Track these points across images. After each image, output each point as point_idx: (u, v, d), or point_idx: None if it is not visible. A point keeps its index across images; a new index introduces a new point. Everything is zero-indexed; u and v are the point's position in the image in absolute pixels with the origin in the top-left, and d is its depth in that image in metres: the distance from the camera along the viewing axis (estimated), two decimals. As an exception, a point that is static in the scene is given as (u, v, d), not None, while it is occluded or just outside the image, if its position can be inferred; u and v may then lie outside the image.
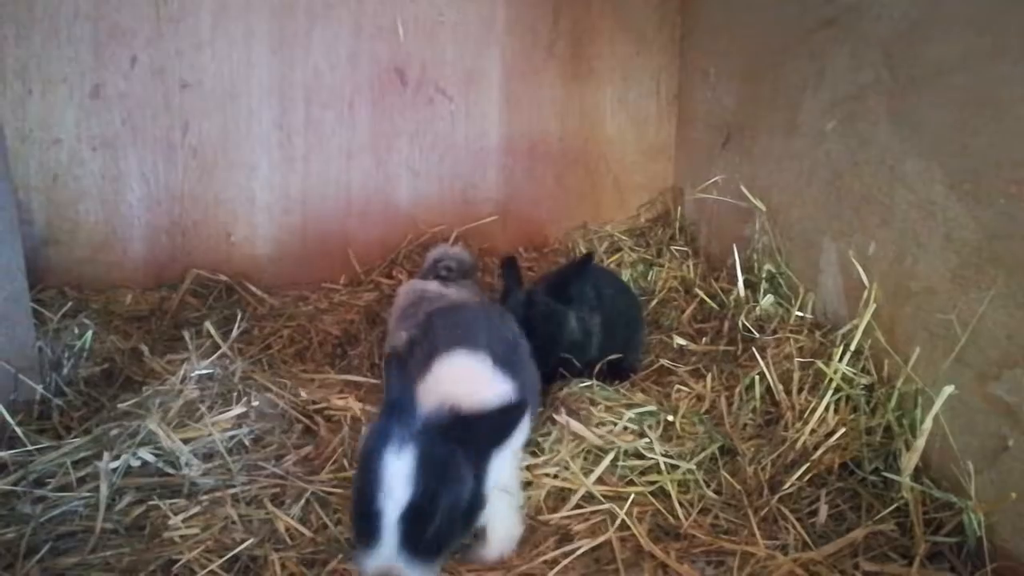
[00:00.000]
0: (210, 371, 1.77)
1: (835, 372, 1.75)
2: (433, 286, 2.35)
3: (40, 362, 1.93)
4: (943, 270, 1.63)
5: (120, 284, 2.63)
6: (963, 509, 1.50)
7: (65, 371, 1.96)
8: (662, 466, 1.68)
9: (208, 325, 1.99)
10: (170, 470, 1.63)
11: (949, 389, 1.56)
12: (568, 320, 1.94)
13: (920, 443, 1.56)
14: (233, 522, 1.51)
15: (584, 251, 2.63)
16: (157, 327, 2.39)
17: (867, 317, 1.79)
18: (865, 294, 1.82)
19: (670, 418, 1.80)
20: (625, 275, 2.59)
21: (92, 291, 2.58)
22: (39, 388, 1.84)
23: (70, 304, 2.27)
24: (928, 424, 1.56)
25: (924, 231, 1.68)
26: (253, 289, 2.65)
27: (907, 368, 1.68)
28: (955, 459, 1.56)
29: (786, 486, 1.66)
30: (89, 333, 2.06)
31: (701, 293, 2.33)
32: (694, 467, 1.69)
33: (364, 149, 2.80)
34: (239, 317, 2.13)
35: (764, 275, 2.16)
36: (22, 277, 1.85)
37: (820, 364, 1.78)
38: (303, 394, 1.83)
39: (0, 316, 1.78)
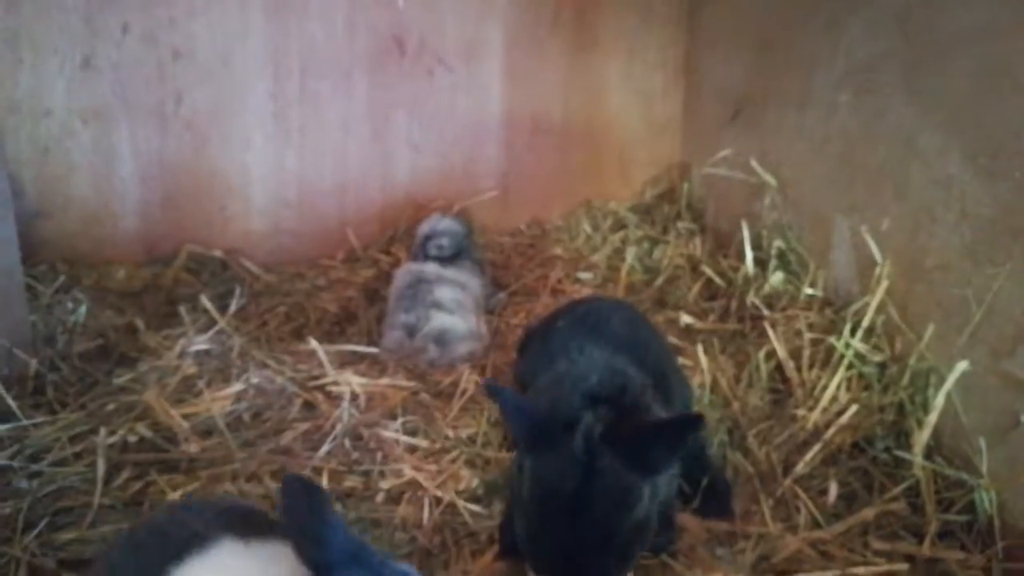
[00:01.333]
0: (207, 347, 1.72)
1: (847, 348, 1.72)
2: (431, 268, 2.31)
3: (33, 337, 1.89)
4: (958, 245, 1.59)
5: (113, 259, 2.57)
6: (974, 487, 1.49)
7: (59, 346, 1.91)
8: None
9: (204, 300, 1.94)
10: (168, 446, 1.59)
11: (963, 365, 1.53)
12: (641, 498, 1.24)
13: (932, 419, 1.54)
14: (233, 499, 1.48)
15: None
16: (151, 303, 2.34)
17: (880, 293, 1.76)
18: (878, 270, 1.78)
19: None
20: (629, 254, 2.54)
21: (84, 266, 2.52)
22: (33, 362, 1.79)
23: (63, 279, 2.22)
24: (940, 401, 1.54)
25: (939, 206, 1.64)
26: (248, 265, 2.60)
27: (920, 345, 1.65)
28: (967, 437, 1.54)
29: (798, 468, 1.64)
30: (83, 308, 2.01)
31: (708, 271, 2.29)
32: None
33: (361, 121, 2.74)
34: (237, 292, 2.08)
35: (774, 252, 2.13)
36: (15, 251, 1.80)
37: (832, 340, 1.75)
38: (302, 370, 1.80)
39: (-9, 292, 1.74)
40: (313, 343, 1.78)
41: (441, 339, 2.13)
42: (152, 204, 2.62)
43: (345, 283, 2.52)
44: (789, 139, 2.19)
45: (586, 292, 2.44)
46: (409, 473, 1.53)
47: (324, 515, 0.86)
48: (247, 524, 1.01)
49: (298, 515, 0.87)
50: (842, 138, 1.97)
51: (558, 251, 2.67)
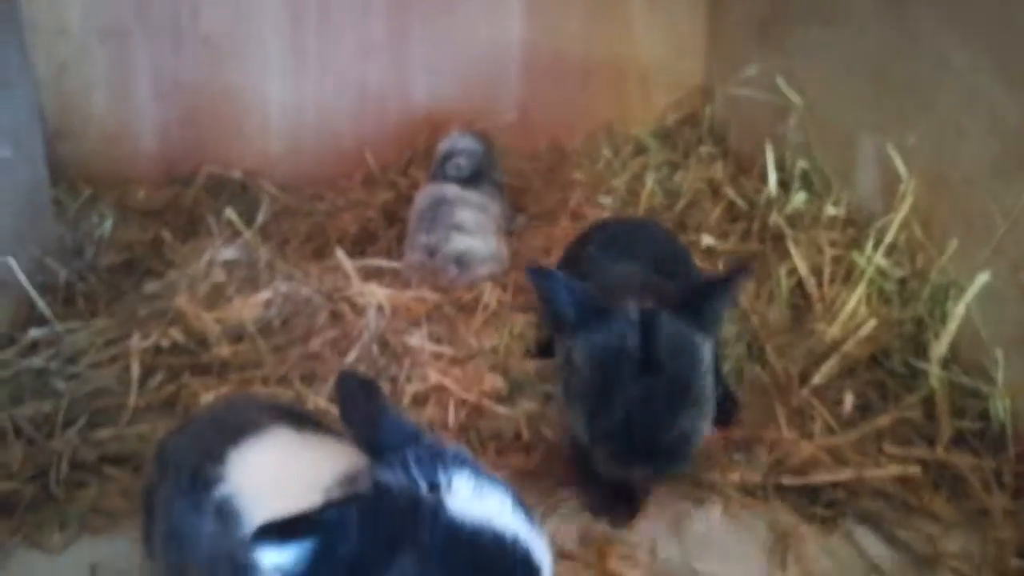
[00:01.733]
0: (235, 255, 1.75)
1: (869, 263, 1.73)
2: (452, 189, 2.31)
3: (61, 249, 1.92)
4: (985, 159, 1.59)
5: (133, 179, 2.58)
6: (989, 396, 1.52)
7: (87, 258, 1.95)
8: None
9: (230, 212, 1.96)
10: (200, 350, 1.63)
11: (984, 277, 1.55)
12: (703, 356, 1.27)
13: (951, 327, 1.56)
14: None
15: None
16: (173, 222, 2.36)
17: (904, 209, 1.76)
18: (902, 187, 1.78)
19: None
20: (650, 178, 2.53)
21: (105, 186, 2.53)
22: (63, 273, 1.83)
23: (86, 195, 2.24)
24: (960, 309, 1.56)
25: (967, 120, 1.63)
26: (267, 186, 2.61)
27: (942, 259, 1.66)
28: (984, 349, 1.56)
29: (815, 379, 1.67)
30: (108, 222, 2.04)
31: (730, 192, 2.29)
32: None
33: (380, 47, 2.71)
34: (263, 205, 2.10)
35: (797, 172, 2.12)
36: (43, 164, 1.82)
37: (854, 254, 1.76)
38: (327, 282, 1.83)
39: (23, 202, 1.76)
40: (340, 253, 1.80)
41: (461, 260, 2.15)
42: (170, 124, 2.62)
43: (364, 204, 2.53)
44: (816, 58, 2.15)
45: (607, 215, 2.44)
46: (435, 378, 1.57)
47: (379, 403, 0.91)
48: (299, 417, 1.07)
49: (354, 404, 0.91)
50: (870, 55, 1.94)
51: (578, 175, 2.66)
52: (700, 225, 2.27)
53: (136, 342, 1.59)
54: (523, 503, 0.85)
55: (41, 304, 1.71)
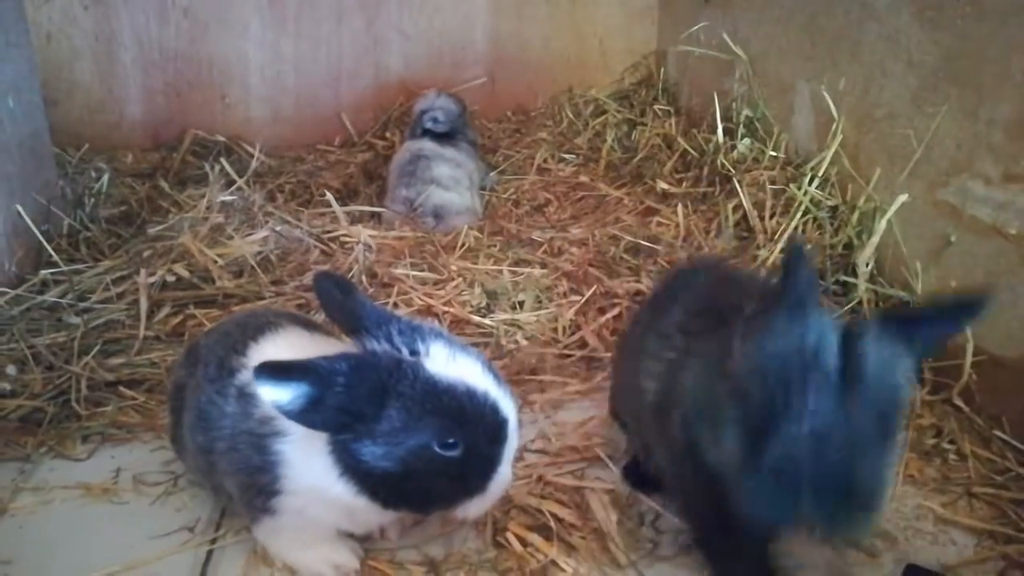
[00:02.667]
0: (232, 198, 1.89)
1: (804, 194, 1.94)
2: (429, 145, 2.46)
3: (63, 201, 2.04)
4: (905, 94, 1.79)
5: (120, 145, 2.70)
6: (909, 302, 1.73)
7: (87, 210, 2.06)
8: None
9: (224, 162, 2.09)
10: (204, 284, 1.77)
11: (903, 197, 1.76)
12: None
13: (875, 240, 1.77)
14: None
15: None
16: (163, 182, 2.48)
17: (834, 147, 1.96)
18: (834, 127, 1.99)
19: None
20: (609, 136, 2.72)
21: (93, 152, 2.64)
22: (67, 221, 1.95)
23: (83, 151, 2.34)
24: (882, 224, 1.76)
25: (889, 60, 1.83)
26: (251, 150, 2.73)
27: (868, 188, 1.87)
28: (905, 263, 1.77)
29: (758, 298, 1.87)
30: (105, 176, 2.15)
31: (683, 143, 2.49)
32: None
33: (354, 11, 2.84)
34: (256, 154, 2.23)
35: (742, 121, 2.32)
36: (43, 116, 1.93)
37: (792, 187, 1.97)
38: (316, 225, 1.98)
39: (26, 151, 1.87)
40: (329, 197, 1.95)
41: (439, 212, 2.32)
42: (155, 91, 2.73)
43: (344, 164, 2.68)
44: (758, 15, 2.35)
45: (570, 171, 2.63)
46: (421, 300, 1.74)
47: (355, 295, 1.05)
48: (310, 323, 1.23)
49: (332, 299, 1.05)
50: (805, 8, 2.14)
51: (543, 135, 2.84)
52: (655, 174, 2.47)
53: (143, 278, 1.72)
54: (492, 367, 1.00)
55: (49, 248, 1.83)
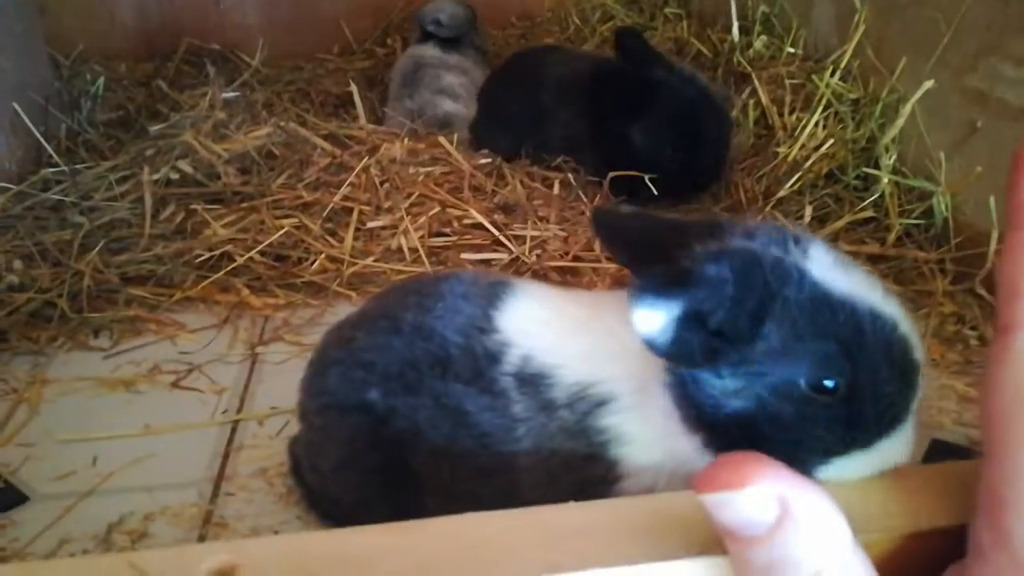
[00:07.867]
0: (235, 94, 1.83)
1: (826, 85, 1.88)
2: (431, 51, 2.38)
3: (60, 103, 1.97)
4: (932, -22, 1.72)
5: (113, 55, 2.60)
6: (933, 193, 1.70)
7: (85, 113, 2.00)
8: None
9: (227, 53, 2.02)
10: (208, 181, 1.73)
11: (928, 83, 1.70)
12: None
13: (899, 123, 1.73)
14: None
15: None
16: (159, 88, 2.41)
17: (857, 37, 1.89)
18: (856, 17, 1.91)
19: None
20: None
21: (85, 61, 2.55)
22: (65, 124, 1.89)
23: (76, 52, 2.27)
24: (907, 109, 1.71)
25: (917, -57, 1.76)
26: (247, 58, 2.64)
27: (892, 79, 1.81)
28: (929, 154, 1.73)
29: (779, 194, 1.83)
30: (101, 80, 2.08)
31: (697, 43, 2.40)
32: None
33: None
34: (257, 53, 2.15)
35: (759, 18, 2.24)
36: (35, 13, 1.85)
37: (814, 79, 1.90)
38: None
39: (20, 49, 1.80)
40: (353, 87, 1.89)
41: (445, 123, 2.25)
42: (147, -1, 2.63)
43: (343, 71, 2.60)
44: (777, -96, 2.25)
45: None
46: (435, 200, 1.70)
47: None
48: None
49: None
50: None
51: (549, 41, 2.74)
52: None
53: (147, 175, 1.68)
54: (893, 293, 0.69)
55: (49, 148, 1.78)
